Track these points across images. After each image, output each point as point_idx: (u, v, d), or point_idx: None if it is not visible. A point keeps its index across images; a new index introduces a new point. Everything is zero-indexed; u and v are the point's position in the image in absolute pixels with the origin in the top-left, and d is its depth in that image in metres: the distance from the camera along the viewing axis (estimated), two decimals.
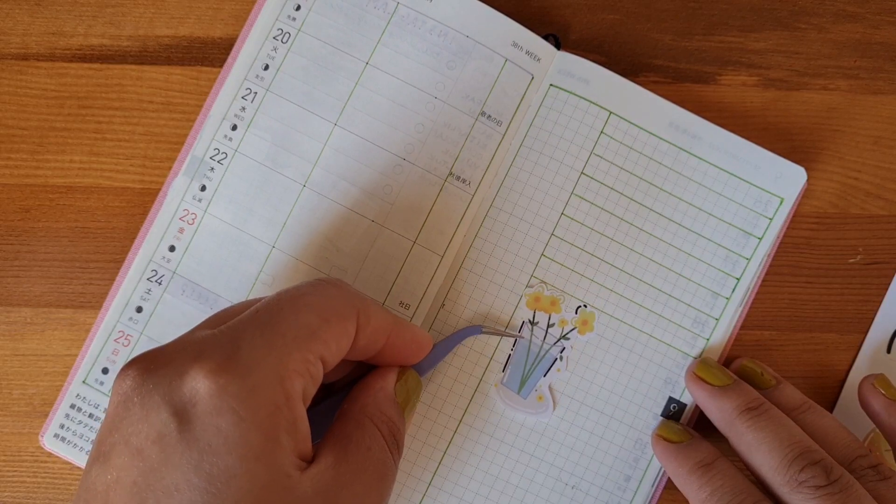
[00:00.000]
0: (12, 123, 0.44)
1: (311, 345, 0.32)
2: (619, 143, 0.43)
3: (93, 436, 0.41)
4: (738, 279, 0.43)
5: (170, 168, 0.43)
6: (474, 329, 0.41)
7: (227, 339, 0.31)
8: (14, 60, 0.44)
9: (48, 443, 0.41)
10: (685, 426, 0.42)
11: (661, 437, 0.41)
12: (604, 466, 0.42)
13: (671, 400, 0.43)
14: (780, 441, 0.37)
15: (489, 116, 0.42)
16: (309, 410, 0.33)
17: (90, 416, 0.41)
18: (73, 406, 0.41)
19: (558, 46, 0.43)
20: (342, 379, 0.39)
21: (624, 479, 0.42)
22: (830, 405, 0.45)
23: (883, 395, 0.42)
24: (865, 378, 0.43)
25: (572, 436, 0.42)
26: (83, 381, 0.41)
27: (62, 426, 0.41)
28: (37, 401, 0.43)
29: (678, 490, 0.40)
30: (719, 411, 0.40)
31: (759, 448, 0.38)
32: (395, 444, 0.35)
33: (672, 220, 0.43)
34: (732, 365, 0.43)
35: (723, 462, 0.39)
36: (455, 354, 0.42)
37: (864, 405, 0.42)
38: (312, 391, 0.32)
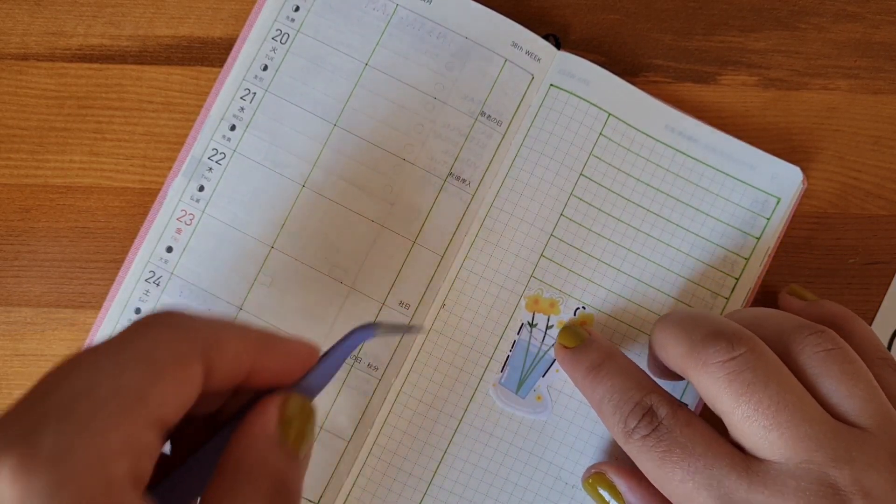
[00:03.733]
0: (12, 123, 0.44)
1: (137, 412, 0.25)
2: (618, 145, 0.43)
3: None
4: (737, 279, 0.43)
5: (170, 168, 0.43)
6: (367, 333, 0.33)
7: (29, 426, 0.25)
8: (14, 60, 0.44)
9: None
10: (584, 328, 0.41)
11: (560, 344, 0.41)
12: None
13: None
14: (622, 391, 0.36)
15: (489, 116, 0.42)
16: (188, 462, 0.29)
17: None
18: None
19: (558, 46, 0.43)
20: (228, 404, 0.33)
21: None
22: None
23: (799, 300, 0.42)
24: (782, 291, 0.43)
25: (572, 435, 0.42)
26: None
27: None
28: None
29: None
30: (573, 375, 0.40)
31: (601, 406, 0.37)
32: (285, 499, 0.29)
33: (670, 220, 0.43)
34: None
35: (613, 361, 0.38)
36: (455, 354, 0.42)
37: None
38: (150, 466, 0.26)
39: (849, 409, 0.33)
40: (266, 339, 0.31)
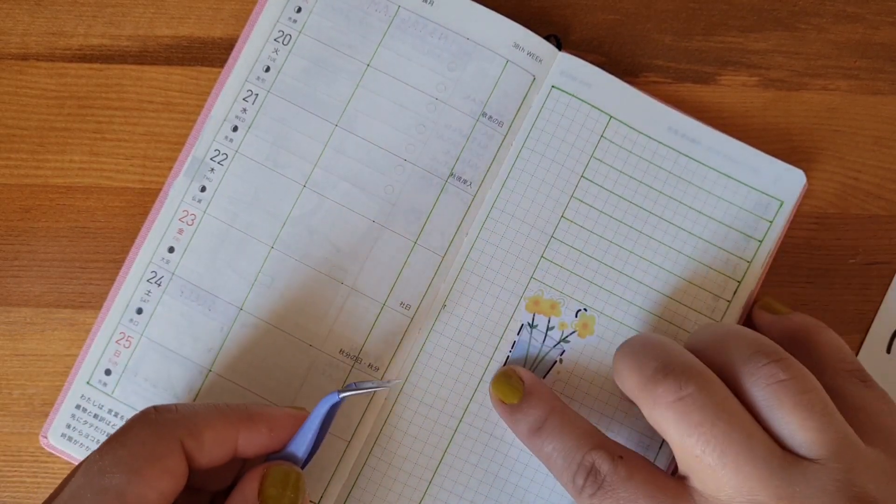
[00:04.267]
0: (12, 123, 0.44)
1: None
2: (619, 148, 0.43)
3: (99, 436, 0.41)
4: (739, 282, 0.43)
5: (170, 168, 0.43)
6: (331, 397, 0.37)
7: None
8: (14, 60, 0.44)
9: (55, 441, 0.41)
10: (518, 375, 0.41)
11: (496, 397, 0.41)
12: None
13: None
14: (565, 452, 0.37)
15: (490, 117, 0.42)
16: None
17: (95, 416, 0.41)
18: (78, 406, 0.41)
19: (559, 47, 0.43)
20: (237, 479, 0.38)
21: None
22: None
23: (770, 315, 0.42)
24: (755, 306, 0.43)
25: None
26: (87, 383, 0.41)
27: (69, 426, 0.41)
28: (37, 401, 0.43)
29: None
30: (515, 433, 0.40)
31: (548, 465, 0.38)
32: None
33: (672, 223, 0.43)
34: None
35: (553, 418, 0.38)
36: (455, 354, 0.42)
37: (755, 328, 0.42)
38: None
39: (800, 442, 0.33)
40: (247, 416, 0.35)
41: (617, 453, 0.36)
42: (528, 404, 0.40)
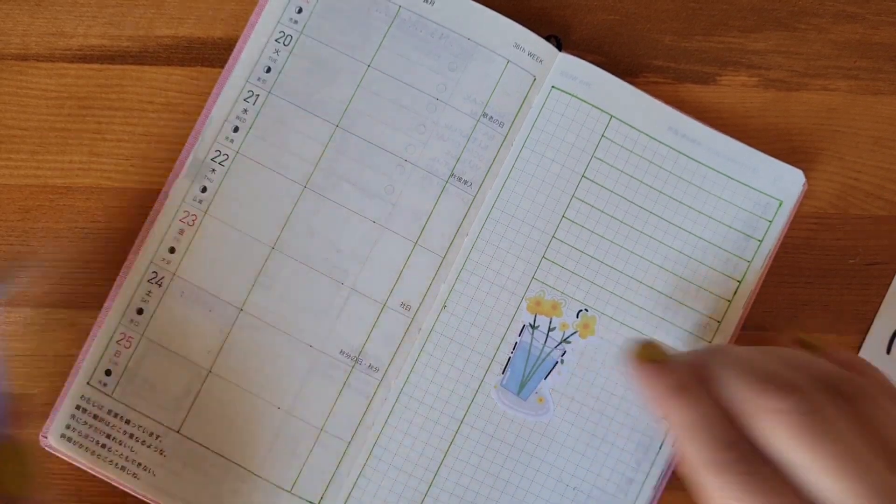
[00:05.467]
0: (12, 123, 0.44)
1: None
2: (620, 147, 0.43)
3: (98, 437, 0.41)
4: (739, 282, 0.43)
5: (170, 169, 0.43)
6: None
7: None
8: (14, 60, 0.44)
9: (55, 442, 0.41)
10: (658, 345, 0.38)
11: (639, 356, 0.37)
12: (605, 469, 0.42)
13: None
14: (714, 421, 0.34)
15: (491, 118, 0.42)
16: None
17: (95, 416, 0.41)
18: (78, 407, 0.41)
19: (560, 47, 0.43)
20: None
21: (626, 481, 0.42)
22: None
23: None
24: (784, 338, 0.41)
25: (573, 437, 0.42)
26: (87, 383, 0.41)
27: (68, 427, 0.41)
28: (37, 401, 0.43)
29: (679, 492, 0.40)
30: (651, 391, 0.36)
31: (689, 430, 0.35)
32: None
33: (673, 223, 0.43)
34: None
35: (700, 385, 0.35)
36: (456, 355, 0.42)
37: None
38: None
39: None
40: None
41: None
42: (677, 363, 0.36)
